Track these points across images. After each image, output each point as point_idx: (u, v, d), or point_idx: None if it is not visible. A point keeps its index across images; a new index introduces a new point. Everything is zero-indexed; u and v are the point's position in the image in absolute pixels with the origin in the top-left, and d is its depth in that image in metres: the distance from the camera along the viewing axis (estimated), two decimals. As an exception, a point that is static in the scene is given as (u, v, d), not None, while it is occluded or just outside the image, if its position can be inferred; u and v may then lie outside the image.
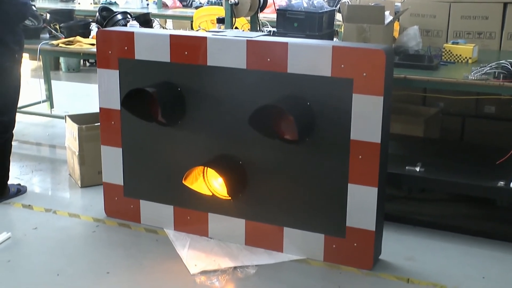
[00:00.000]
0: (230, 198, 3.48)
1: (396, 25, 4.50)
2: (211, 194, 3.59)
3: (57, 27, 5.08)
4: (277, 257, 3.48)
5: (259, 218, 3.54)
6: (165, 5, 7.81)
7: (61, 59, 8.78)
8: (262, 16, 5.12)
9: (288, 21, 4.22)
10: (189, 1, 8.02)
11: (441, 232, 3.79)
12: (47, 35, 5.11)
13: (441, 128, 4.81)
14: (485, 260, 3.49)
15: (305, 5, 4.31)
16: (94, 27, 4.99)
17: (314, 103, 3.25)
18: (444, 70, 3.86)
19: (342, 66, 3.14)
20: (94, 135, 4.25)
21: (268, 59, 3.31)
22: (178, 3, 7.93)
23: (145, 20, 5.20)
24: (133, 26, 4.66)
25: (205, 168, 3.54)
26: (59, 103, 6.60)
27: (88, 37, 4.90)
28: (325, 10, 4.31)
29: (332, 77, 3.17)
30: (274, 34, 4.28)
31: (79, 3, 8.16)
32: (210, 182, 3.59)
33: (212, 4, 7.48)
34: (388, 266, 3.41)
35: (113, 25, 4.90)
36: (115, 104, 3.73)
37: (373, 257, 3.35)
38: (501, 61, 3.56)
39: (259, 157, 3.47)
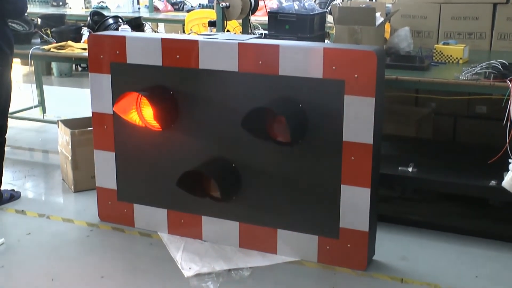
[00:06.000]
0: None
1: (387, 27, 4.51)
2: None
3: (49, 32, 5.07)
4: (271, 259, 3.49)
5: (253, 220, 3.54)
6: (156, 9, 7.79)
7: (53, 64, 8.75)
8: (253, 18, 5.13)
9: (280, 23, 4.23)
10: (181, 5, 8.01)
11: (434, 231, 3.81)
12: (39, 40, 5.09)
13: (433, 128, 4.82)
14: (478, 259, 3.51)
15: (296, 7, 4.32)
16: (85, 32, 4.98)
17: (306, 105, 3.26)
18: (435, 71, 3.87)
19: (334, 67, 3.15)
20: (87, 140, 4.25)
21: (260, 62, 3.31)
22: (169, 7, 7.92)
23: (136, 24, 5.20)
24: (125, 30, 4.65)
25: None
26: (51, 108, 6.59)
27: (80, 42, 4.89)
28: (316, 12, 4.32)
29: (323, 79, 3.18)
30: (265, 36, 4.29)
31: (70, 8, 8.14)
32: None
33: (203, 7, 7.48)
34: (382, 267, 3.42)
35: (104, 30, 4.90)
36: (108, 108, 3.73)
37: (367, 258, 3.36)
38: (491, 61, 3.57)
39: (252, 160, 3.47)
